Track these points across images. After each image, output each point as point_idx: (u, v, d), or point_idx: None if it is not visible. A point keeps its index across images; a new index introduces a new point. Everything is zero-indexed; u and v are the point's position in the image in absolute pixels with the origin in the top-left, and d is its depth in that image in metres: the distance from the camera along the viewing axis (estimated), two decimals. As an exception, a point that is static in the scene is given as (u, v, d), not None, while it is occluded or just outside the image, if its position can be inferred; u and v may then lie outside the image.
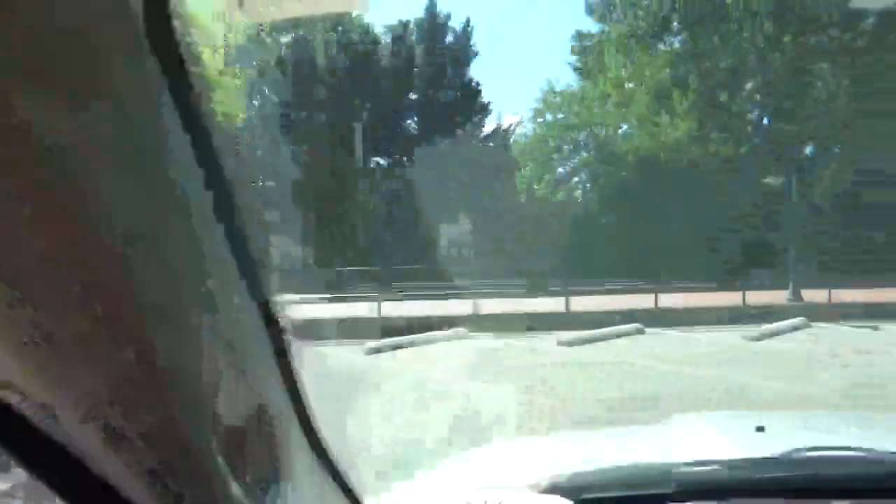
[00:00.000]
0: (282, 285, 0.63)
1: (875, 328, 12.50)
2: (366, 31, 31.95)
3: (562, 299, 14.32)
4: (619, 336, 11.81)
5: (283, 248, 23.82)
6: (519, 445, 1.85)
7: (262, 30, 27.40)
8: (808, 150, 29.67)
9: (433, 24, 32.74)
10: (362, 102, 32.05)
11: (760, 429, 1.57)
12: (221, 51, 11.81)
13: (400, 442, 5.11)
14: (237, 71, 12.35)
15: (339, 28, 31.84)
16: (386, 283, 16.49)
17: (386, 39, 33.18)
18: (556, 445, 1.86)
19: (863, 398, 7.33)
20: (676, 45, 31.34)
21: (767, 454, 1.27)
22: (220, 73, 11.82)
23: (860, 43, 28.83)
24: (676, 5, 29.90)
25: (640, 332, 12.25)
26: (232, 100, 12.32)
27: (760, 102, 31.42)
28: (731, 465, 1.24)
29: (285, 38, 30.65)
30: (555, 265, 19.96)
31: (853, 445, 1.26)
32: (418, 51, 33.19)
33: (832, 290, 14.89)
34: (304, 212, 26.24)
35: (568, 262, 21.22)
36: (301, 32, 30.28)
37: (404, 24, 32.53)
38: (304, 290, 18.48)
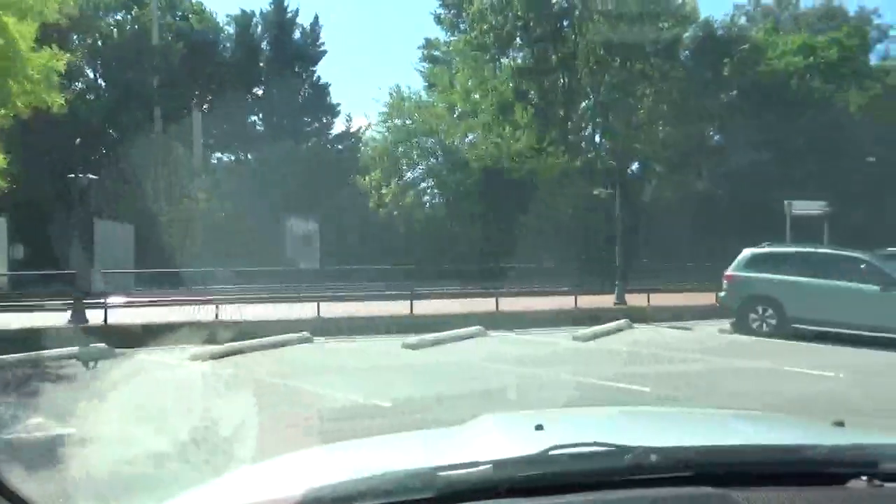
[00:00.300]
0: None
1: (688, 328, 13.88)
2: (207, 18, 30.28)
3: (408, 302, 14.42)
4: (462, 338, 12.08)
5: (109, 247, 21.87)
6: (295, 459, 1.76)
7: (88, 9, 25.08)
8: (634, 166, 32.42)
9: (280, 19, 31.75)
10: (202, 94, 30.32)
11: (539, 427, 1.64)
12: (34, 25, 10.58)
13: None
14: (55, 51, 11.09)
15: (178, 13, 29.93)
16: (226, 285, 15.63)
17: (229, 30, 31.69)
18: (335, 455, 1.82)
19: (672, 391, 8.06)
20: (519, 60, 32.94)
21: (526, 453, 1.30)
22: (32, 49, 10.58)
23: (678, 73, 32.03)
24: (520, 23, 31.43)
25: (483, 333, 12.62)
26: (49, 81, 11.06)
27: (592, 120, 33.86)
28: (497, 464, 1.27)
29: (116, 18, 28.32)
30: (401, 269, 20.06)
31: (614, 441, 1.33)
32: (264, 45, 32.05)
33: (651, 294, 16.33)
34: (136, 211, 24.28)
35: (415, 265, 21.42)
36: (134, 13, 28.09)
37: (249, 16, 31.26)
38: (131, 289, 17.14)
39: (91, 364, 9.51)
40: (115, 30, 27.66)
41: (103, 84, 28.09)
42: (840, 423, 1.81)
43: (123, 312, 13.35)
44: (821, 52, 35.49)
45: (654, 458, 1.26)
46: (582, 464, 1.29)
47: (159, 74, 26.94)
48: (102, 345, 10.27)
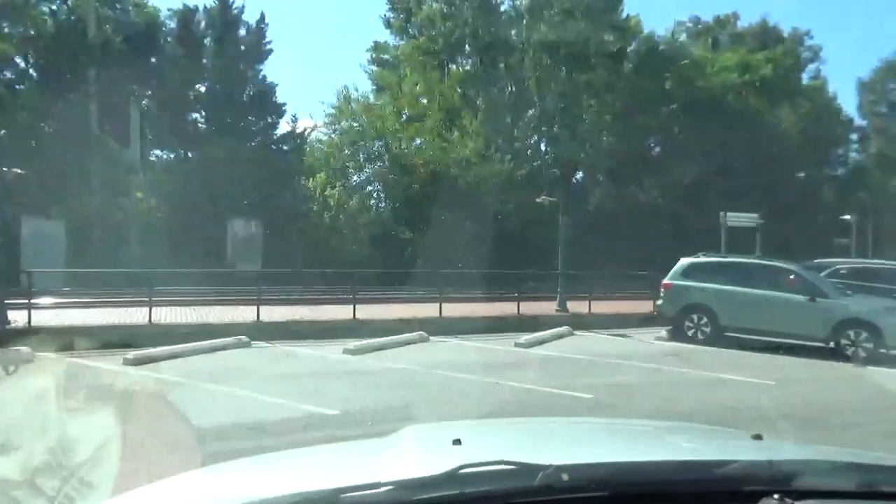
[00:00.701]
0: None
1: (627, 336, 14.16)
2: (147, 12, 29.33)
3: (350, 307, 14.25)
4: (404, 344, 12.01)
5: (38, 245, 20.88)
6: (174, 485, 1.67)
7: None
8: (578, 175, 33.01)
9: (224, 14, 31.01)
10: (141, 89, 29.33)
11: (457, 442, 1.61)
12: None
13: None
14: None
15: (117, 6, 28.90)
16: (162, 286, 15.10)
17: (171, 24, 30.76)
18: (229, 476, 1.74)
19: (609, 397, 8.19)
20: (467, 67, 33.17)
21: (439, 471, 1.27)
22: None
23: (621, 85, 32.85)
24: (468, 30, 31.68)
25: (425, 339, 12.58)
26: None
27: (538, 129, 34.37)
28: (401, 485, 1.24)
29: (52, 8, 27.14)
30: (345, 273, 19.81)
31: (530, 458, 1.30)
32: (207, 41, 31.24)
33: (592, 302, 16.63)
34: (68, 208, 23.27)
35: (359, 269, 21.19)
36: (70, 4, 26.98)
37: (192, 11, 30.43)
38: (61, 289, 16.39)
39: (11, 369, 9.02)
40: (51, 20, 26.50)
41: (35, 75, 26.86)
42: (758, 437, 1.83)
43: (51, 314, 12.76)
44: (756, 70, 36.98)
45: (565, 477, 1.23)
46: (490, 484, 1.25)
47: (96, 67, 25.93)
48: (24, 348, 9.77)
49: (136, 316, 12.93)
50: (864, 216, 23.33)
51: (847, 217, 23.78)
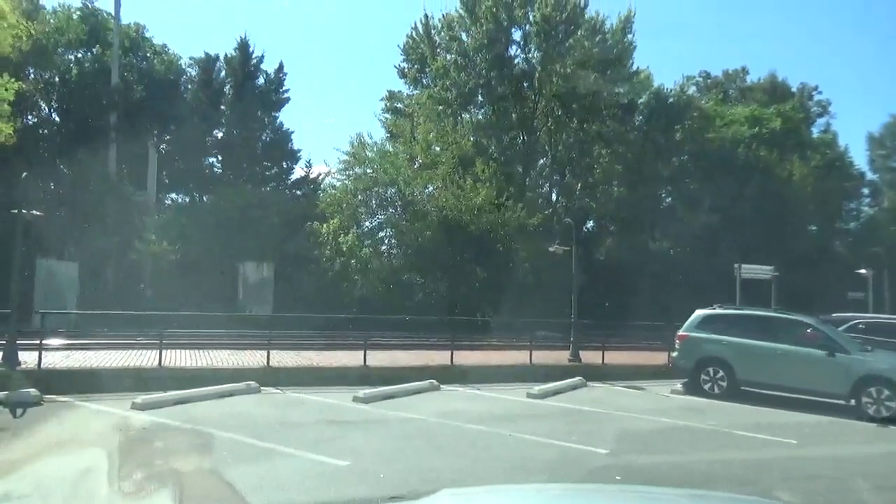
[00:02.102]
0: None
1: (641, 388, 13.90)
2: (169, 60, 30.10)
3: (360, 353, 14.10)
4: (415, 392, 11.83)
5: (52, 286, 20.96)
6: None
7: (44, 40, 24.68)
8: (589, 224, 33.05)
9: (244, 63, 31.79)
10: (160, 135, 29.88)
11: None
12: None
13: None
14: (5, 79, 10.78)
15: (140, 54, 29.69)
16: (173, 329, 15.04)
17: (192, 72, 31.53)
18: None
19: (627, 453, 7.97)
20: (480, 116, 33.62)
21: None
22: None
23: (632, 136, 33.15)
24: (482, 81, 32.20)
25: (436, 388, 12.39)
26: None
27: (549, 178, 34.58)
28: None
29: (77, 55, 27.90)
30: (356, 319, 19.73)
31: None
32: (227, 88, 31.94)
33: (605, 352, 16.39)
34: (83, 250, 23.44)
35: (370, 315, 21.09)
36: (95, 52, 27.73)
37: (213, 59, 31.22)
38: (73, 331, 16.34)
39: (19, 411, 8.93)
40: (75, 67, 27.22)
41: (58, 119, 27.46)
42: None
43: (62, 356, 12.70)
44: (766, 124, 37.26)
45: None
46: None
47: (117, 113, 26.50)
48: (32, 390, 9.68)
49: (146, 359, 12.84)
50: (879, 270, 23.08)
51: (863, 271, 23.54)
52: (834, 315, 16.12)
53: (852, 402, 11.76)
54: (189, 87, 31.21)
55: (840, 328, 13.96)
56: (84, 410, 9.45)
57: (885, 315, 18.24)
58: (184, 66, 31.13)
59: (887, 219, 41.41)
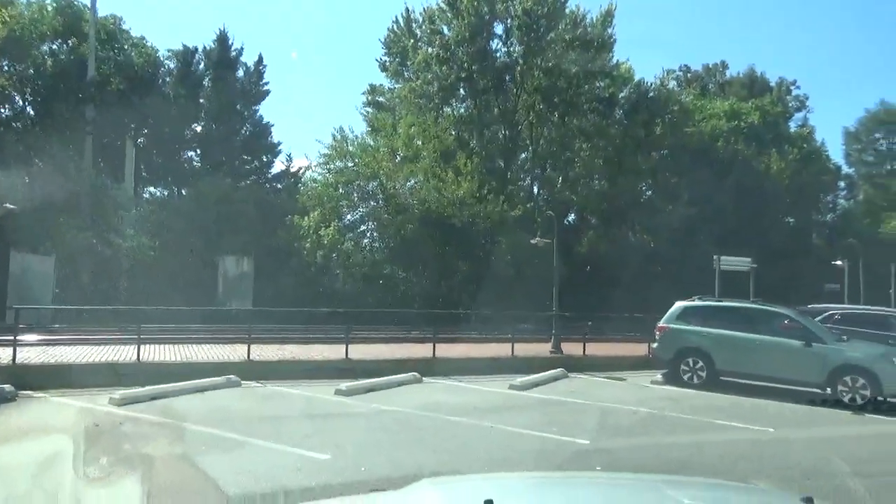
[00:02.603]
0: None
1: (622, 379, 14.01)
2: (147, 52, 29.68)
3: (342, 347, 14.05)
4: (397, 385, 11.82)
5: (27, 281, 20.62)
6: None
7: (18, 31, 24.22)
8: (570, 217, 33.18)
9: (223, 56, 31.44)
10: (137, 127, 29.47)
11: (489, 502, 1.51)
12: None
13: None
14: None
15: (117, 46, 29.24)
16: (152, 324, 14.88)
17: (170, 65, 31.12)
18: None
19: (608, 443, 8.03)
20: (462, 110, 33.58)
21: None
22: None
23: (612, 130, 33.30)
24: (463, 75, 32.14)
25: (418, 381, 12.39)
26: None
27: (531, 171, 34.67)
28: None
29: (52, 46, 27.40)
30: (337, 312, 19.64)
31: None
32: (205, 81, 31.58)
33: (586, 344, 16.48)
34: (59, 244, 23.07)
35: (351, 309, 21.02)
36: (71, 44, 27.25)
37: (191, 52, 30.83)
38: (49, 326, 16.08)
39: (-6, 408, 8.78)
40: (50, 59, 26.74)
41: (32, 112, 26.97)
42: (809, 500, 1.72)
43: (37, 351, 12.50)
44: (745, 118, 37.66)
45: None
46: None
47: (93, 106, 26.08)
48: (7, 386, 9.53)
49: (124, 354, 12.69)
50: (854, 262, 23.45)
51: (838, 262, 23.92)
52: (810, 306, 16.36)
53: (828, 390, 11.94)
54: (167, 79, 30.82)
55: (816, 318, 14.16)
56: (60, 406, 9.32)
57: (861, 305, 18.55)
58: (162, 59, 30.73)
59: (862, 212, 42.12)
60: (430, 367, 13.38)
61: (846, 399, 11.69)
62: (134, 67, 28.17)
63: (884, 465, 7.48)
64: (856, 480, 6.30)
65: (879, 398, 11.60)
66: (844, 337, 13.04)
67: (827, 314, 15.10)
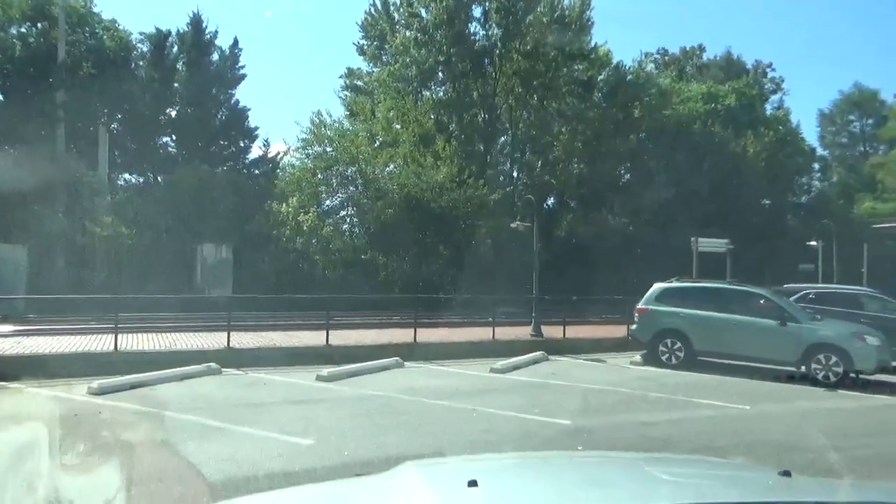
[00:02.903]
0: None
1: (602, 360, 14.16)
2: (119, 36, 29.07)
3: (323, 333, 14.02)
4: (379, 370, 11.84)
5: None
6: None
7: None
8: (550, 201, 33.28)
9: (197, 39, 30.86)
10: (111, 112, 28.93)
11: (473, 483, 1.51)
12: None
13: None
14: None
15: (88, 30, 28.60)
16: (130, 312, 14.71)
17: (142, 48, 30.50)
18: None
19: (590, 424, 8.13)
20: (441, 94, 33.41)
21: None
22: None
23: (591, 113, 33.36)
24: (441, 58, 31.94)
25: (400, 365, 12.42)
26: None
27: (510, 155, 34.67)
28: None
29: (20, 30, 26.74)
30: (318, 298, 19.54)
31: (557, 500, 1.21)
32: (180, 65, 31.02)
33: (566, 327, 16.62)
34: (32, 233, 22.66)
35: (332, 295, 20.93)
36: (40, 27, 26.60)
37: (164, 35, 30.23)
38: (23, 316, 15.82)
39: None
40: (19, 43, 26.07)
41: (1, 97, 26.35)
42: (787, 473, 1.75)
43: (11, 342, 12.31)
44: (721, 101, 37.93)
45: None
46: None
47: (64, 90, 25.53)
48: (-17, 377, 9.39)
49: (101, 343, 12.55)
50: (829, 242, 23.85)
51: (813, 243, 24.30)
52: (786, 286, 16.62)
53: (802, 368, 12.19)
54: (140, 63, 30.22)
55: (791, 298, 14.40)
56: (36, 396, 9.20)
57: (834, 285, 18.88)
58: (134, 42, 30.10)
59: (837, 193, 42.78)
60: (411, 352, 13.42)
61: (820, 376, 11.94)
62: (106, 51, 27.59)
63: (857, 440, 7.67)
64: (831, 454, 6.45)
65: (851, 375, 11.86)
66: (818, 316, 13.29)
67: (802, 294, 15.36)
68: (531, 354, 13.82)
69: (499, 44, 31.87)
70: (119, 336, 12.22)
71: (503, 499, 1.29)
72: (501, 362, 12.55)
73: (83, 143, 27.07)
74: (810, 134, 60.59)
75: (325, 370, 11.06)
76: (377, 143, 29.42)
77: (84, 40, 27.66)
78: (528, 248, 17.88)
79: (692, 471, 2.11)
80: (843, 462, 6.23)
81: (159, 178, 30.03)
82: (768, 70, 46.00)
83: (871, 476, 5.82)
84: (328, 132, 29.64)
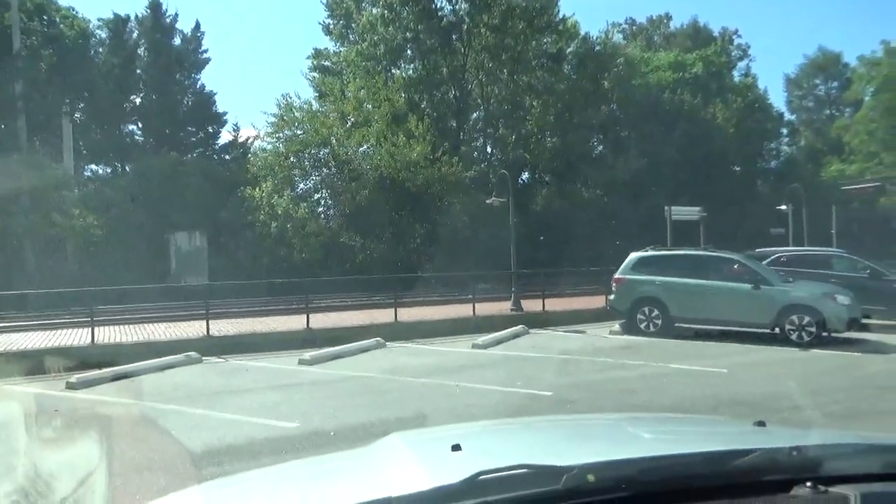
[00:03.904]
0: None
1: (581, 332, 14.33)
2: (76, 22, 28.28)
3: (303, 317, 13.99)
4: (360, 351, 11.85)
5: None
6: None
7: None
8: (524, 175, 33.31)
9: (158, 23, 30.16)
10: (73, 102, 28.25)
11: (457, 447, 1.53)
12: None
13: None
14: None
15: (45, 17, 27.77)
16: (105, 305, 14.50)
17: (101, 34, 29.73)
18: (220, 494, 1.63)
19: (572, 394, 8.24)
20: (411, 72, 33.10)
21: (449, 480, 1.20)
22: None
23: (562, 86, 33.34)
24: (410, 35, 31.60)
25: (382, 346, 12.44)
26: None
27: (483, 131, 34.59)
28: (419, 498, 1.17)
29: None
30: (296, 282, 19.44)
31: (539, 459, 1.24)
32: (141, 50, 30.32)
33: (545, 300, 16.77)
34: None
35: (310, 278, 20.83)
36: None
37: (123, 20, 29.48)
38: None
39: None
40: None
41: (-44, 90, 25.57)
42: (761, 423, 1.81)
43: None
44: (690, 69, 38.14)
45: (591, 478, 1.17)
46: (513, 490, 1.17)
47: (23, 80, 24.83)
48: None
49: (77, 337, 12.37)
50: (798, 206, 24.25)
51: (783, 207, 24.68)
52: (758, 250, 16.88)
53: (777, 329, 12.46)
54: (100, 50, 29.48)
55: (764, 262, 14.65)
56: (13, 393, 9.07)
57: (805, 247, 19.24)
58: (92, 29, 29.33)
59: (805, 157, 43.42)
60: (392, 332, 13.44)
61: (794, 337, 12.21)
62: (64, 39, 26.85)
63: (829, 395, 7.88)
64: (805, 411, 6.63)
65: (824, 333, 12.15)
66: (790, 278, 13.55)
67: (773, 257, 15.63)
68: (512, 329, 13.93)
69: (466, 18, 31.61)
70: (95, 329, 12.06)
71: (486, 458, 1.31)
72: (483, 338, 12.64)
73: (46, 135, 26.46)
74: (778, 99, 61.40)
75: (307, 354, 11.04)
76: (349, 123, 29.13)
77: (41, 29, 26.87)
78: (505, 223, 17.92)
79: (670, 428, 2.17)
80: (816, 417, 6.41)
81: (127, 168, 29.49)
82: (735, 37, 46.30)
83: (842, 429, 6.00)
84: (298, 114, 29.26)
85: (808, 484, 1.23)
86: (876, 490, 1.23)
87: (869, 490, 1.22)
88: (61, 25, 27.64)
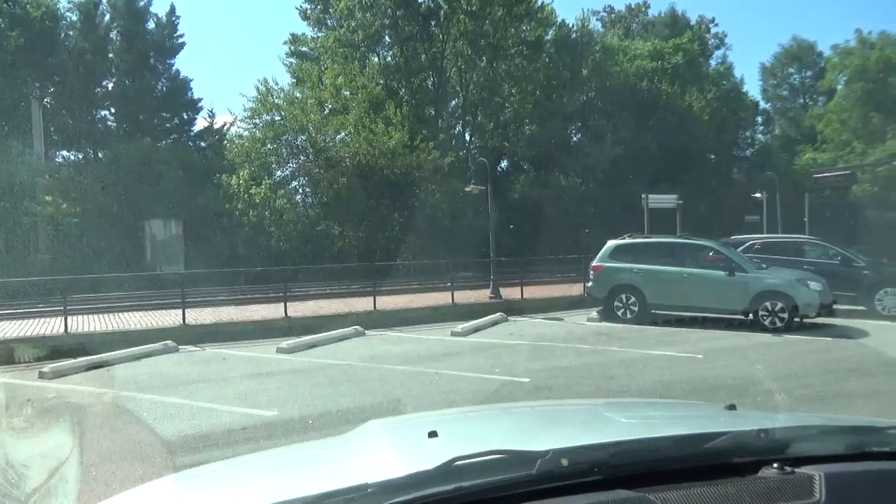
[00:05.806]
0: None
1: (559, 319, 14.44)
2: (45, 5, 27.59)
3: (281, 305, 13.91)
4: (339, 339, 11.82)
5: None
6: (141, 495, 1.55)
7: None
8: (503, 163, 33.36)
9: (131, 7, 29.56)
10: (43, 87, 27.62)
11: (433, 434, 1.54)
12: None
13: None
14: None
15: (12, 0, 27.05)
16: (78, 294, 14.29)
17: (72, 17, 29.07)
18: (195, 484, 1.62)
19: (548, 380, 8.31)
20: (389, 59, 32.87)
21: (425, 466, 1.20)
22: None
23: (540, 74, 33.35)
24: (388, 21, 31.35)
25: (360, 334, 12.43)
26: None
27: (461, 118, 34.51)
28: (393, 485, 1.16)
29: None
30: (273, 271, 19.30)
31: (513, 445, 1.26)
32: (113, 34, 29.71)
33: (524, 287, 16.86)
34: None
35: (288, 267, 20.70)
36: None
37: (94, 3, 28.83)
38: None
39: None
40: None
41: (-80, 74, 24.88)
42: (732, 407, 1.84)
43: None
44: (667, 57, 38.34)
45: (564, 462, 1.18)
46: (488, 475, 1.18)
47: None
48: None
49: (50, 327, 12.18)
50: (772, 194, 24.59)
51: (757, 195, 25.02)
52: (733, 237, 17.11)
53: (751, 315, 12.66)
54: (70, 33, 28.83)
55: (738, 249, 14.85)
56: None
57: (778, 234, 19.53)
58: (62, 11, 28.66)
59: (779, 145, 43.99)
60: (371, 320, 13.43)
61: (767, 322, 12.42)
62: (32, 22, 26.19)
63: (800, 380, 8.04)
64: (777, 395, 6.76)
65: (796, 319, 12.38)
66: (764, 265, 13.76)
67: (748, 244, 15.85)
68: (491, 316, 13.99)
69: (444, 5, 31.41)
70: (69, 318, 11.89)
71: (462, 444, 1.32)
72: (461, 325, 12.67)
73: (15, 120, 25.85)
74: (753, 88, 62.03)
75: (285, 342, 10.99)
76: (326, 110, 28.87)
77: (7, 10, 26.19)
78: (483, 211, 17.95)
79: (646, 411, 2.20)
80: (788, 401, 6.54)
81: (100, 154, 28.97)
82: (711, 25, 46.62)
83: (811, 412, 6.12)
84: (275, 100, 28.93)
85: (775, 465, 1.25)
86: (840, 470, 1.27)
87: (833, 470, 1.25)
88: (28, 6, 26.96)
